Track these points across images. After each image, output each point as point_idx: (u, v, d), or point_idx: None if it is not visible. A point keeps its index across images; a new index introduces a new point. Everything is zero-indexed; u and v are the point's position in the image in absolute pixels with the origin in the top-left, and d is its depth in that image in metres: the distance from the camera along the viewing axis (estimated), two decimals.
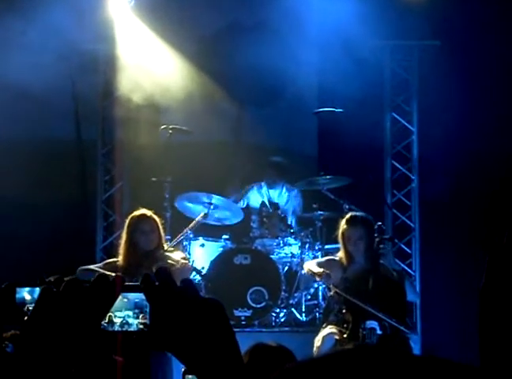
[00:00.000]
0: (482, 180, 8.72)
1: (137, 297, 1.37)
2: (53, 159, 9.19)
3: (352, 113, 8.45)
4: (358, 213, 6.87)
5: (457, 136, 8.73)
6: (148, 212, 6.64)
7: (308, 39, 8.75)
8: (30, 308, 1.37)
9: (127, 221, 6.73)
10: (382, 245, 6.72)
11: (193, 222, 7.75)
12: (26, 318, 1.35)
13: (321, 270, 6.59)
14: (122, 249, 6.63)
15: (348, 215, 6.81)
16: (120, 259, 6.56)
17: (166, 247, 6.70)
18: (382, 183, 9.41)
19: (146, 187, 8.45)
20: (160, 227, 6.63)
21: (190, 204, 8.19)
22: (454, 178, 8.75)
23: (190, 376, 2.71)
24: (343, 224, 6.72)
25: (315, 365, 0.90)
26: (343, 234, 6.70)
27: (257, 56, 8.48)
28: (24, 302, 1.40)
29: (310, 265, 6.84)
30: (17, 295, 1.40)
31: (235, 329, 1.33)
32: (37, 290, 1.37)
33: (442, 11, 8.74)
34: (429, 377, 0.84)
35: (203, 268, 7.81)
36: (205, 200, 8.01)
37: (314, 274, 6.69)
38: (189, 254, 7.89)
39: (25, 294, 1.40)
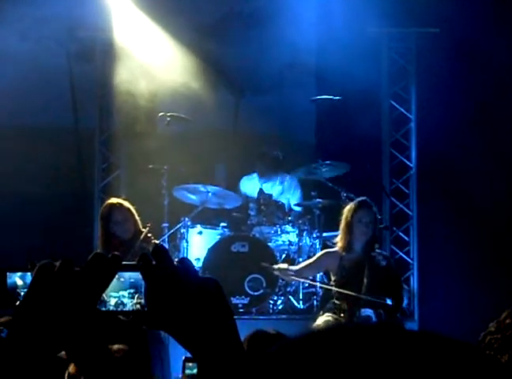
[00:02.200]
0: (480, 167, 8.73)
1: (133, 277, 1.36)
2: (50, 147, 9.17)
3: (350, 100, 8.44)
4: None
5: (455, 124, 8.73)
6: (120, 201, 6.59)
7: (305, 26, 8.73)
8: (21, 293, 1.37)
9: (100, 212, 6.72)
10: None
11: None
12: (20, 300, 1.34)
13: (277, 266, 6.80)
14: (100, 241, 6.63)
15: (359, 199, 6.77)
16: (100, 251, 6.51)
17: (144, 233, 6.55)
18: (380, 171, 9.41)
19: (144, 175, 8.45)
20: (135, 213, 6.55)
21: (187, 194, 8.21)
22: (452, 166, 8.76)
23: (190, 363, 2.72)
24: (353, 207, 6.65)
25: (306, 342, 0.89)
26: (352, 216, 6.59)
27: (254, 44, 8.46)
28: (15, 286, 1.39)
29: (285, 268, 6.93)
30: (8, 280, 1.39)
31: None
32: (28, 275, 1.36)
33: None
34: (423, 350, 0.85)
35: (198, 259, 7.84)
36: (202, 189, 8.03)
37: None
38: (186, 242, 7.91)
39: (17, 278, 1.39)
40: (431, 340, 0.86)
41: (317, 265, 6.90)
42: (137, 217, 6.57)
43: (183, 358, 2.70)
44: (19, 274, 1.39)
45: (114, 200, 6.67)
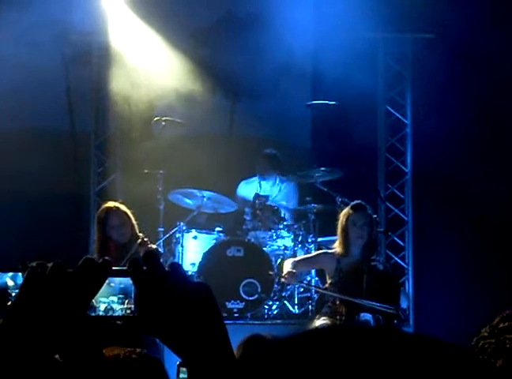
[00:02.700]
0: (476, 173, 8.73)
1: (123, 282, 1.35)
2: (46, 151, 9.16)
3: (346, 105, 8.45)
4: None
5: (450, 129, 8.74)
6: (117, 205, 6.56)
7: (301, 31, 8.73)
8: (13, 294, 1.35)
9: (96, 216, 6.69)
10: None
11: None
12: (10, 303, 1.33)
13: (286, 270, 6.70)
14: (96, 245, 6.60)
15: (353, 203, 6.77)
16: (95, 256, 6.48)
17: (141, 237, 6.53)
18: (375, 176, 9.42)
19: (139, 179, 8.44)
20: (132, 217, 6.51)
21: (183, 198, 8.22)
22: (448, 171, 8.76)
23: (184, 368, 2.71)
24: (347, 211, 6.66)
25: (303, 341, 0.89)
26: (347, 219, 6.60)
27: (250, 48, 8.46)
28: (6, 287, 1.38)
29: (286, 265, 6.87)
30: None
31: (228, 321, 1.33)
32: (19, 275, 1.35)
33: (437, 3, 8.74)
34: (418, 353, 0.85)
35: (193, 263, 7.83)
36: (198, 194, 8.04)
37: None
38: (181, 246, 7.90)
39: (7, 279, 1.38)
40: (426, 343, 0.86)
41: (313, 261, 6.99)
42: (133, 221, 6.53)
43: (177, 363, 2.68)
44: (10, 274, 1.38)
45: (111, 203, 6.64)
